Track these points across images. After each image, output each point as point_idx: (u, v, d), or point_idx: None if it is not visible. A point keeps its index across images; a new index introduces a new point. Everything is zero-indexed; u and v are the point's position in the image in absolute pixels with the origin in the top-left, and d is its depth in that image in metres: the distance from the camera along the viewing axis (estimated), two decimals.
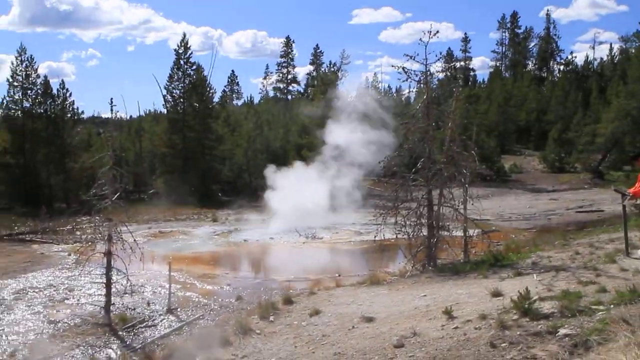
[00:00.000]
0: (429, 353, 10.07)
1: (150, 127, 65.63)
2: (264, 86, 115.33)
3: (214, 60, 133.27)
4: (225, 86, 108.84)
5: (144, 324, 15.40)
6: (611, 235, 21.50)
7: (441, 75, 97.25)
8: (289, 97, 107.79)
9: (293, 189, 34.39)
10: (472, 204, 20.13)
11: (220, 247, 28.85)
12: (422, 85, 20.71)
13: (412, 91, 27.46)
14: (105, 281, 15.80)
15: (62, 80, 54.16)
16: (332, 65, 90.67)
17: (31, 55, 50.06)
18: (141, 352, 13.06)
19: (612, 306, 10.49)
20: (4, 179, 48.79)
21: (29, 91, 49.92)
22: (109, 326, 15.01)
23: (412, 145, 20.17)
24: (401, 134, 21.17)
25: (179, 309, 16.62)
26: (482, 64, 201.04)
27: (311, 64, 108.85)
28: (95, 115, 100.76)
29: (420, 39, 19.41)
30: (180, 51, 56.08)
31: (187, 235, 32.40)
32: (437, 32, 19.42)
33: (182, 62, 56.05)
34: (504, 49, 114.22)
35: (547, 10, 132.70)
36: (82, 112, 65.91)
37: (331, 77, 68.18)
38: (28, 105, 50.14)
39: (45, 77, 51.67)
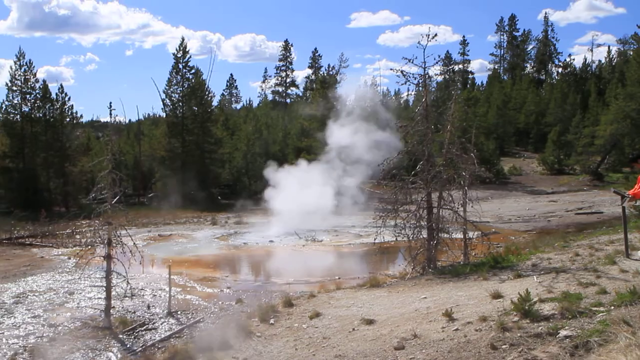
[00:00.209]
0: (429, 355, 10.07)
1: (149, 130, 65.75)
2: (262, 90, 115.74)
3: (212, 64, 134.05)
4: (224, 90, 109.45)
5: (144, 327, 15.37)
6: (611, 237, 21.52)
7: (440, 78, 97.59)
8: (288, 100, 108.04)
9: (295, 189, 34.35)
10: (472, 206, 20.15)
11: (220, 250, 28.84)
12: (420, 88, 20.70)
13: (411, 94, 27.55)
14: (105, 284, 15.77)
15: (61, 85, 54.50)
16: (330, 69, 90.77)
17: (30, 60, 50.19)
18: (141, 355, 13.04)
19: (612, 307, 10.50)
20: (4, 183, 48.87)
21: (28, 95, 49.97)
22: (109, 329, 14.98)
23: (411, 148, 20.19)
24: (401, 137, 21.15)
25: (179, 312, 16.59)
26: (480, 67, 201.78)
27: (310, 67, 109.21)
28: (94, 119, 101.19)
29: (419, 42, 19.43)
30: (179, 55, 56.14)
31: (187, 238, 32.39)
32: (436, 35, 19.46)
33: (180, 66, 56.12)
34: (502, 52, 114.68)
35: (545, 13, 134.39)
36: (81, 116, 65.64)
37: (330, 79, 68.26)
38: (27, 109, 50.23)
39: (44, 81, 51.78)
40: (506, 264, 17.85)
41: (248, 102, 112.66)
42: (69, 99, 51.96)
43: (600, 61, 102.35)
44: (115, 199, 15.95)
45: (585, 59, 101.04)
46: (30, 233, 33.26)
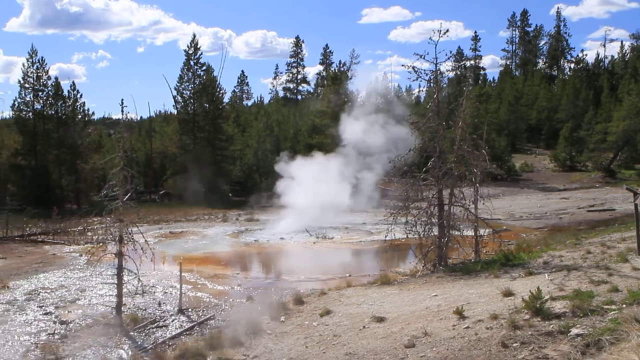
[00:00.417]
0: (440, 353, 10.07)
1: (160, 127, 65.83)
2: (273, 86, 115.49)
3: (223, 61, 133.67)
4: (235, 86, 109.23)
5: (155, 324, 15.41)
6: (623, 234, 21.47)
7: (451, 74, 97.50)
8: (299, 97, 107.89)
9: (310, 182, 34.29)
10: (483, 203, 20.10)
11: (231, 248, 28.84)
12: (432, 84, 20.69)
13: (422, 90, 27.46)
14: (116, 282, 15.83)
15: (73, 82, 54.06)
16: (342, 65, 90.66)
17: (42, 57, 50.35)
18: (152, 352, 13.08)
19: (624, 306, 10.47)
20: (16, 180, 49.09)
21: (40, 93, 50.10)
22: (120, 326, 15.04)
23: (422, 144, 20.15)
24: (412, 133, 21.10)
25: (190, 310, 16.62)
26: (492, 63, 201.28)
27: (321, 63, 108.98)
28: (106, 116, 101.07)
29: (430, 38, 19.46)
30: (190, 52, 56.19)
31: (198, 235, 32.42)
32: (447, 30, 19.49)
33: (192, 62, 56.15)
34: (514, 48, 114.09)
35: (558, 8, 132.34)
36: (93, 113, 66.04)
37: (341, 76, 68.23)
38: (39, 106, 50.31)
39: (56, 78, 51.91)
40: (517, 261, 17.83)
41: (259, 98, 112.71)
42: (81, 96, 52.15)
43: (613, 57, 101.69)
44: (126, 196, 15.99)
45: (598, 55, 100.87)
46: (42, 230, 33.38)
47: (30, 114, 50.30)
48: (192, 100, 56.61)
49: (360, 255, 26.83)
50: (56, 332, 14.80)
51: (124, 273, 15.77)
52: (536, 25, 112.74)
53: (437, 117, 19.90)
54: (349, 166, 35.74)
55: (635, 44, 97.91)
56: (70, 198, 50.23)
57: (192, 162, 51.00)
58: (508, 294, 12.70)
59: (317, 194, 33.46)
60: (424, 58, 19.63)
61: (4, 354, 13.24)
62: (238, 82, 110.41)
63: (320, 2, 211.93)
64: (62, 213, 37.64)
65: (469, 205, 20.04)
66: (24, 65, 49.98)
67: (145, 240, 15.95)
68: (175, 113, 60.69)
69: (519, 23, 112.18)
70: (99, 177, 48.62)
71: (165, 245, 28.75)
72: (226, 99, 68.40)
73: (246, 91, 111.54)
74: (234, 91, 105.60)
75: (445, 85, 76.06)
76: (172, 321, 15.65)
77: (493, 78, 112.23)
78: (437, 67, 20.05)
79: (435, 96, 20.43)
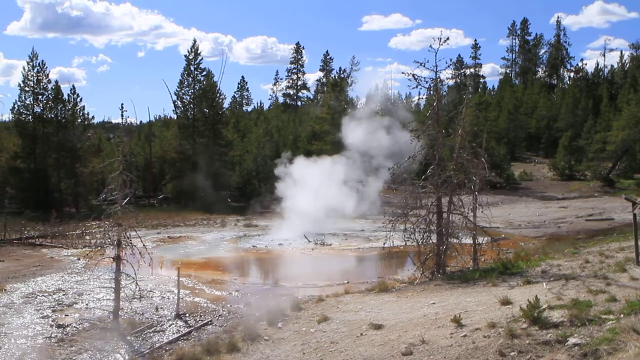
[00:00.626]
0: None
1: (160, 132, 65.91)
2: (273, 92, 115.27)
3: (224, 66, 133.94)
4: (235, 92, 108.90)
5: (152, 329, 15.40)
6: (622, 244, 21.45)
7: (451, 82, 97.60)
8: (299, 103, 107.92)
9: (310, 184, 34.23)
10: (482, 212, 20.08)
11: (229, 253, 28.84)
12: (432, 92, 20.71)
13: (422, 98, 27.42)
14: (114, 286, 15.82)
15: (73, 86, 54.27)
16: (342, 72, 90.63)
17: (42, 61, 50.33)
18: (149, 357, 13.06)
19: (622, 316, 10.45)
20: (15, 183, 49.02)
21: (40, 96, 50.08)
22: (117, 331, 15.02)
23: (422, 152, 20.15)
24: (412, 141, 21.06)
25: (187, 315, 16.61)
26: (492, 71, 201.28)
27: (321, 70, 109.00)
28: (106, 120, 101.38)
29: (430, 46, 19.50)
30: (191, 57, 56.19)
31: (196, 240, 32.42)
32: (447, 38, 19.54)
33: (192, 67, 56.14)
34: (514, 56, 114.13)
35: (558, 17, 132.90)
36: (93, 117, 65.76)
37: (341, 82, 68.24)
38: (39, 110, 50.28)
39: (56, 82, 51.91)
40: (515, 270, 17.83)
41: (259, 104, 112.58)
42: (81, 100, 52.19)
43: (612, 66, 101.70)
44: (125, 200, 16.00)
45: (598, 64, 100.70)
46: (41, 233, 33.39)
47: (30, 117, 50.28)
48: (192, 105, 56.60)
49: (359, 262, 26.82)
50: (53, 335, 14.77)
51: (121, 277, 15.77)
52: (536, 34, 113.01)
53: (436, 124, 19.92)
54: (351, 171, 35.60)
55: (635, 54, 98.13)
56: (69, 201, 50.22)
57: (191, 167, 51.03)
58: (506, 302, 12.68)
59: (318, 198, 33.38)
60: (424, 66, 19.69)
61: (0, 357, 13.22)
62: (238, 87, 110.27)
63: (320, 8, 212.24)
64: (61, 216, 37.69)
65: (468, 213, 20.05)
66: (24, 68, 50.11)
67: (144, 245, 15.95)
68: (175, 118, 60.73)
69: (519, 32, 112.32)
70: (97, 181, 48.62)
71: (164, 250, 28.74)
72: (226, 105, 68.59)
73: (246, 97, 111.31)
74: (233, 97, 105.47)
75: (445, 93, 76.17)
76: (170, 326, 15.64)
77: (493, 86, 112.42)
78: (437, 75, 20.09)
79: (435, 104, 20.45)
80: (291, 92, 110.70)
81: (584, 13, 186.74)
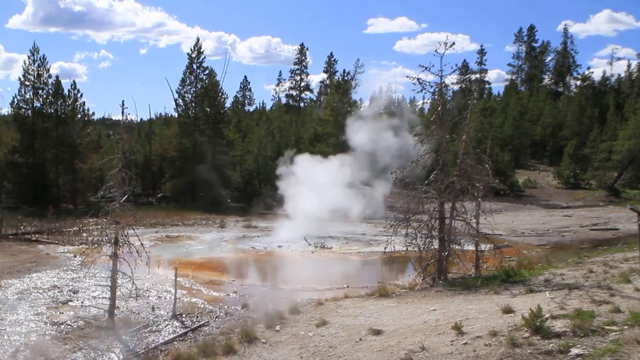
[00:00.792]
0: None
1: (160, 130, 65.82)
2: (276, 93, 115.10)
3: (226, 65, 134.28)
4: (237, 92, 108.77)
5: (148, 328, 15.37)
6: (626, 255, 21.42)
7: (456, 87, 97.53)
8: (302, 104, 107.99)
9: (313, 184, 34.09)
10: (485, 218, 20.09)
11: (228, 254, 28.82)
12: (436, 96, 20.68)
13: (427, 102, 27.32)
14: (110, 284, 15.79)
15: (74, 81, 54.24)
16: (346, 74, 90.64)
17: (43, 55, 50.26)
18: (144, 357, 13.03)
19: (626, 327, 10.42)
20: (13, 177, 48.86)
21: (40, 91, 50.01)
22: (112, 330, 14.99)
23: (424, 156, 20.10)
24: (415, 145, 21.00)
25: (184, 315, 16.57)
26: (497, 77, 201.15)
27: (325, 72, 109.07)
28: (106, 117, 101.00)
29: (436, 50, 19.46)
30: (193, 55, 56.16)
31: (195, 240, 32.40)
32: (453, 43, 19.49)
33: (194, 66, 56.13)
34: (520, 63, 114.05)
35: (565, 25, 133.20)
36: (93, 113, 66.06)
37: (345, 85, 68.26)
38: (39, 104, 50.19)
39: (57, 77, 51.79)
40: (518, 278, 17.79)
41: (261, 104, 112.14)
42: (81, 95, 52.06)
43: (619, 75, 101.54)
44: (123, 198, 15.96)
45: (604, 73, 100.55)
46: (37, 229, 33.37)
47: (30, 111, 50.20)
48: (193, 104, 56.58)
49: (359, 267, 26.73)
50: (47, 333, 14.74)
51: (118, 276, 15.72)
52: (543, 41, 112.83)
53: (440, 129, 19.90)
54: (357, 172, 35.40)
55: None
56: (66, 198, 50.20)
57: (191, 166, 50.99)
58: (508, 310, 12.64)
59: (321, 199, 33.20)
60: (429, 70, 19.63)
61: None
62: (240, 87, 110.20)
63: (326, 10, 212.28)
64: (58, 213, 37.63)
65: (471, 220, 19.99)
66: (24, 62, 49.99)
67: (141, 243, 15.89)
68: (176, 116, 60.67)
69: (525, 38, 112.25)
70: (96, 177, 48.63)
71: (161, 249, 28.69)
72: (228, 104, 68.42)
73: (248, 97, 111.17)
74: (236, 96, 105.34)
75: (450, 98, 76.12)
76: (166, 326, 15.60)
77: (498, 92, 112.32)
78: (442, 80, 20.06)
79: (439, 109, 20.43)
80: (294, 93, 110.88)
81: (591, 21, 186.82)
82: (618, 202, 54.99)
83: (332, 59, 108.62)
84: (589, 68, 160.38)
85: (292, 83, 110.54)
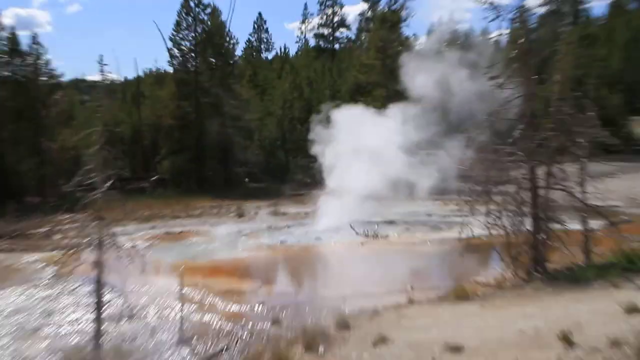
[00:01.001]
0: None
1: (152, 91, 66.17)
2: (302, 33, 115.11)
3: (234, 0, 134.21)
4: (250, 34, 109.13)
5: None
6: None
7: (542, 10, 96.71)
8: (337, 46, 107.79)
9: (361, 148, 33.65)
10: (593, 186, 19.76)
11: (250, 253, 28.87)
12: (517, 24, 20.42)
13: (504, 34, 26.98)
14: (94, 302, 15.79)
15: (35, 33, 54.60)
16: (393, 3, 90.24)
17: None
18: None
19: None
20: None
21: None
22: None
23: (505, 107, 19.85)
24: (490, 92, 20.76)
25: (194, 339, 16.56)
26: None
27: (365, 1, 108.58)
28: (79, 77, 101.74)
29: None
30: None
31: (204, 236, 32.53)
32: None
33: (192, 4, 56.20)
34: None
35: None
36: (62, 74, 66.18)
37: (392, 17, 67.99)
38: None
39: (12, 28, 52.30)
40: None
41: (283, 50, 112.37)
42: (46, 52, 52.50)
43: None
44: (107, 185, 15.92)
45: None
46: None
47: None
48: (193, 54, 56.85)
49: (426, 260, 26.62)
50: None
51: (104, 290, 15.73)
52: None
53: (524, 69, 19.61)
54: (421, 130, 34.72)
55: None
56: (31, 188, 50.68)
57: (194, 137, 51.20)
58: (632, 310, 12.47)
59: (372, 170, 32.82)
60: None
61: None
62: (254, 28, 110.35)
63: None
64: (22, 209, 38.03)
65: (574, 188, 19.72)
66: None
67: (133, 245, 15.90)
68: (171, 72, 60.94)
69: None
70: (69, 159, 48.94)
71: (160, 251, 28.76)
72: (239, 52, 68.73)
73: (265, 40, 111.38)
74: (248, 40, 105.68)
75: (535, 25, 75.43)
76: (170, 355, 15.60)
77: (601, 14, 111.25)
78: (524, 1, 19.81)
79: (521, 41, 20.13)
80: (326, 32, 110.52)
81: None
82: None
83: None
84: None
85: (322, 19, 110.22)
